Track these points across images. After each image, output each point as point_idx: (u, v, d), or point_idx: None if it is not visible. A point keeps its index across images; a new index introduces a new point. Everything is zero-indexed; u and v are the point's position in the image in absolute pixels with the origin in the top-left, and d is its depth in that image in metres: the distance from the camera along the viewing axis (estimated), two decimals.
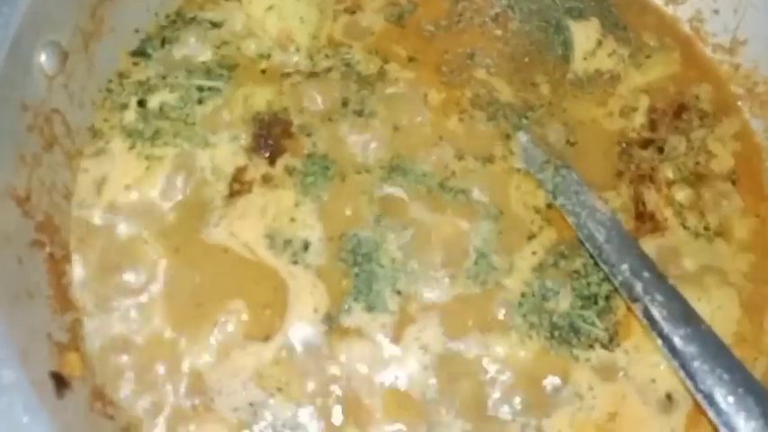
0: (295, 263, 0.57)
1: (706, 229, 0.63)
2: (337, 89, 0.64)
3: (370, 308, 0.55)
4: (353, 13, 0.69)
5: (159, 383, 0.52)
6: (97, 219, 0.56)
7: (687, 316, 0.50)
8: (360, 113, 0.63)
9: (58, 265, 0.53)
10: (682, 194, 0.63)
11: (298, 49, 0.65)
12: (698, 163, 0.65)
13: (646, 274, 0.52)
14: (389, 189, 0.60)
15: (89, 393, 0.49)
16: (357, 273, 0.56)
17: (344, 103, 0.63)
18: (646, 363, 0.56)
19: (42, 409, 0.42)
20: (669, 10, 0.74)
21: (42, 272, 0.51)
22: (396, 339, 0.55)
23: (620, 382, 0.56)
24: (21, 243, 0.50)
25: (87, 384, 0.49)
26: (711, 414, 0.47)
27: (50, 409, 0.43)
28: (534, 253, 0.58)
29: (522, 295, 0.57)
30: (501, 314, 0.56)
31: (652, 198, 0.64)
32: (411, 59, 0.66)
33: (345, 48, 0.66)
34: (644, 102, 0.68)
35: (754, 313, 0.60)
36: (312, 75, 0.64)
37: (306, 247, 0.57)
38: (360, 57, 0.66)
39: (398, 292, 0.56)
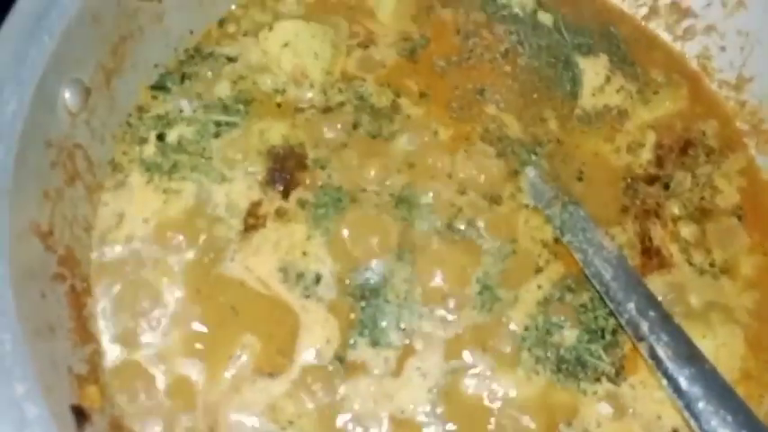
0: (307, 297, 0.58)
1: (711, 265, 0.64)
2: (351, 123, 0.65)
3: (374, 343, 0.57)
4: (367, 47, 0.71)
5: (175, 415, 0.53)
6: (116, 251, 0.58)
7: (692, 356, 0.51)
8: (373, 144, 0.64)
9: (78, 298, 0.54)
10: (687, 231, 0.65)
11: (312, 85, 0.66)
12: (703, 198, 0.67)
13: (651, 314, 0.54)
14: (399, 224, 0.61)
15: (107, 425, 0.51)
16: (363, 307, 0.58)
17: (357, 130, 0.64)
18: (651, 399, 0.57)
19: None
20: (677, 46, 0.75)
21: (63, 305, 0.53)
22: (398, 372, 0.56)
23: (627, 420, 0.57)
24: (44, 277, 0.51)
25: (106, 416, 0.51)
26: None
27: None
28: (540, 287, 0.60)
29: (526, 329, 0.58)
30: (507, 348, 0.57)
31: (658, 234, 0.65)
32: (422, 95, 0.68)
33: (359, 81, 0.68)
34: (651, 138, 0.69)
35: (760, 350, 0.61)
36: (326, 109, 0.65)
37: (317, 280, 0.59)
38: (372, 90, 0.67)
39: (403, 329, 0.57)
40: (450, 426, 0.55)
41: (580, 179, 0.66)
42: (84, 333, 0.54)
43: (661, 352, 0.52)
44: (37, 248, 0.51)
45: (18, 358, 0.45)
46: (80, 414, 0.47)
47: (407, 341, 0.57)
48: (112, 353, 0.54)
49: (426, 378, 0.56)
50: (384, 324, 0.57)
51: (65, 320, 0.52)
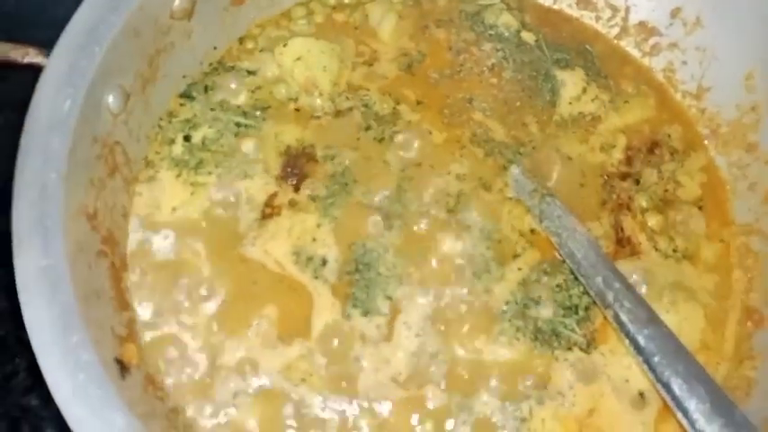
0: (316, 277, 0.66)
1: (675, 251, 0.72)
2: (358, 126, 0.74)
3: (365, 312, 0.64)
4: (371, 65, 0.79)
5: (200, 373, 0.61)
6: (149, 235, 0.66)
7: (650, 319, 0.59)
8: (379, 141, 0.72)
9: (117, 273, 0.62)
10: (654, 221, 0.72)
11: (321, 94, 0.75)
12: (667, 191, 0.74)
13: (616, 285, 0.61)
14: (397, 208, 0.69)
15: (143, 378, 0.58)
16: (357, 280, 0.65)
17: (366, 133, 0.73)
18: (620, 365, 0.65)
19: (110, 385, 0.51)
20: (645, 61, 0.84)
21: (106, 277, 0.60)
22: (389, 336, 0.64)
23: (597, 383, 0.64)
24: (90, 252, 0.59)
25: (142, 371, 0.58)
26: (668, 400, 0.55)
27: (116, 387, 0.52)
28: (520, 269, 0.67)
29: (506, 303, 0.65)
30: (489, 318, 0.64)
31: (629, 225, 0.73)
32: (419, 103, 0.76)
33: (363, 90, 0.76)
34: (622, 140, 0.77)
35: (717, 325, 0.69)
36: (335, 114, 0.74)
37: (324, 263, 0.67)
38: (376, 98, 0.76)
39: (389, 297, 0.65)
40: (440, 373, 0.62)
41: (559, 176, 0.74)
42: (123, 302, 0.61)
43: (624, 316, 0.59)
44: (85, 228, 0.59)
45: (72, 315, 0.52)
46: (122, 365, 0.55)
47: (395, 307, 0.65)
48: (145, 320, 0.62)
49: (410, 327, 0.64)
50: (374, 294, 0.65)
51: (107, 289, 0.60)
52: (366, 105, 0.75)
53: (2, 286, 0.74)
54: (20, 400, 0.74)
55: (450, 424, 0.61)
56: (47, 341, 0.51)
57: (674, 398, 0.55)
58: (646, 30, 0.83)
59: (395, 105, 0.76)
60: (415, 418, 0.61)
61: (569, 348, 0.65)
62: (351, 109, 0.75)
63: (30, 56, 0.60)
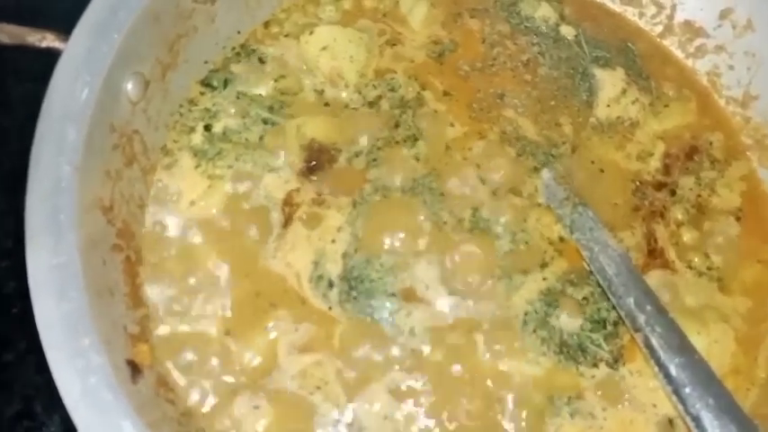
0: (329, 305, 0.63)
1: (709, 269, 0.69)
2: (383, 120, 0.70)
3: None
4: (394, 45, 0.76)
5: (214, 376, 0.59)
6: (165, 228, 0.64)
7: (682, 347, 0.56)
8: (404, 143, 0.69)
9: (132, 267, 0.61)
10: (689, 236, 0.69)
11: (347, 86, 0.72)
12: (702, 197, 0.71)
13: (648, 308, 0.59)
14: (424, 210, 0.66)
15: (155, 380, 0.57)
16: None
17: (390, 133, 0.70)
18: (646, 387, 0.62)
19: (121, 390, 0.50)
20: (689, 63, 0.80)
21: (120, 272, 0.59)
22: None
23: (627, 408, 0.62)
24: (105, 247, 0.57)
25: (154, 373, 0.57)
26: None
27: (126, 391, 0.51)
28: (545, 279, 0.65)
29: (526, 314, 0.63)
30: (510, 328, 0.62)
31: (662, 235, 0.70)
32: (446, 93, 0.73)
33: (390, 73, 0.73)
34: (660, 148, 0.74)
35: (750, 349, 0.66)
36: (361, 106, 0.71)
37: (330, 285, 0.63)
38: (402, 81, 0.73)
39: (394, 294, 0.62)
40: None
41: (592, 183, 0.71)
42: (137, 298, 0.60)
43: (655, 342, 0.57)
44: (100, 221, 0.58)
45: (84, 315, 0.51)
46: (134, 367, 0.54)
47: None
48: (159, 318, 0.60)
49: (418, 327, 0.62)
50: (378, 295, 0.63)
51: (121, 286, 0.58)
52: (392, 89, 0.72)
53: (16, 265, 0.73)
54: (33, 379, 0.73)
55: None
56: (57, 342, 0.50)
57: None
58: (692, 30, 0.79)
59: (420, 90, 0.73)
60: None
61: (595, 365, 0.63)
62: (378, 99, 0.71)
63: (47, 40, 0.58)
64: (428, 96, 0.72)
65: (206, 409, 0.58)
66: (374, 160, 0.69)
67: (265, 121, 0.70)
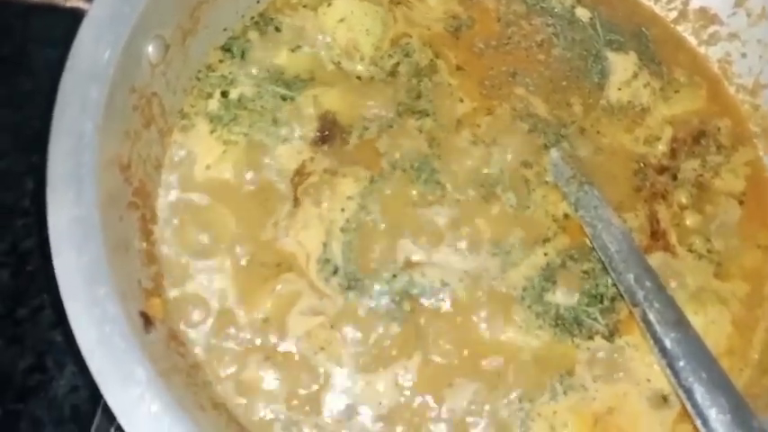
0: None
1: (709, 252, 0.70)
2: (398, 91, 0.71)
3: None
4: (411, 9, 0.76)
5: (222, 335, 0.61)
6: (180, 190, 0.66)
7: (679, 322, 0.58)
8: (414, 115, 0.71)
9: (147, 225, 0.62)
10: (691, 219, 0.70)
11: (362, 58, 0.73)
12: (704, 177, 0.72)
13: (648, 284, 0.60)
14: (426, 185, 0.68)
15: (167, 333, 0.59)
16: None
17: (403, 106, 0.71)
18: (642, 362, 0.64)
19: (134, 339, 0.52)
20: (701, 50, 0.80)
21: (136, 229, 0.61)
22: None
23: (622, 380, 0.63)
24: (122, 204, 0.59)
25: (166, 326, 0.59)
26: (688, 406, 0.55)
27: (140, 340, 0.53)
28: (546, 254, 0.66)
29: (524, 289, 0.65)
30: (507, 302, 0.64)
31: (664, 216, 0.71)
32: (459, 68, 0.74)
33: (405, 38, 0.74)
34: (668, 132, 0.74)
35: (746, 331, 0.67)
36: (376, 77, 0.72)
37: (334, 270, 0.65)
38: (416, 47, 0.73)
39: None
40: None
41: (598, 163, 0.72)
42: (151, 255, 0.62)
43: (652, 316, 0.58)
44: (118, 179, 0.59)
45: (101, 267, 0.53)
46: (146, 319, 0.56)
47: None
48: (172, 275, 0.62)
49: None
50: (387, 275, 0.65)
51: (136, 242, 0.60)
52: (407, 54, 0.73)
53: (33, 223, 0.75)
54: (45, 335, 0.75)
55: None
56: (75, 291, 0.52)
57: (695, 405, 0.54)
58: (706, 16, 0.79)
59: (433, 57, 0.73)
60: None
61: (590, 338, 0.64)
62: (395, 67, 0.72)
63: (72, 0, 0.59)
64: (441, 65, 0.73)
65: (214, 364, 0.60)
66: (385, 131, 0.70)
67: (281, 92, 0.71)
